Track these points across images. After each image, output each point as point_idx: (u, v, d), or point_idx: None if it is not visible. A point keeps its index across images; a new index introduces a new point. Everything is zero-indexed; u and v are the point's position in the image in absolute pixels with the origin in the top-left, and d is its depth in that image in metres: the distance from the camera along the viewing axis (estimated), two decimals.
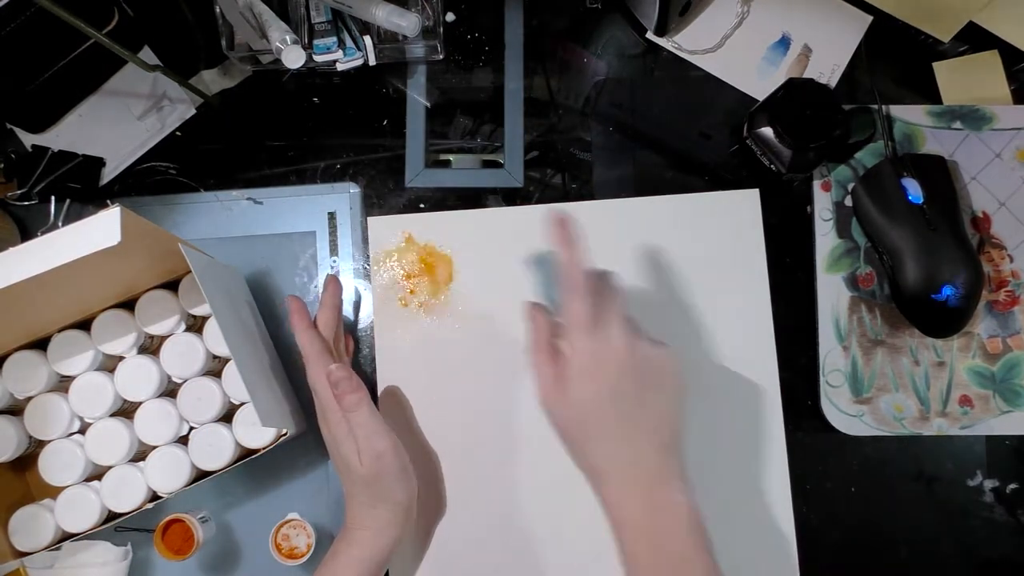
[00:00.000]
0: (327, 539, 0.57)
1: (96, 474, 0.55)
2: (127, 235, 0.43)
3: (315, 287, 0.61)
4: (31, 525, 0.54)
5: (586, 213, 0.61)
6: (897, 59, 0.64)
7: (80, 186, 0.62)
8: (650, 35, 0.64)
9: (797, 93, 0.58)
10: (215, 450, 0.54)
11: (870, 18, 0.64)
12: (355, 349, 0.60)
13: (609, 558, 0.48)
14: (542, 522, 0.58)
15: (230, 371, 0.55)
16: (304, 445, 0.59)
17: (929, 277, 0.56)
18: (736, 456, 0.58)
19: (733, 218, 0.61)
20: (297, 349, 0.60)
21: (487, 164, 0.64)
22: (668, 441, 0.47)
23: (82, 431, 0.56)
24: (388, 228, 0.62)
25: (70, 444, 0.55)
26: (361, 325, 0.61)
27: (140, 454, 0.56)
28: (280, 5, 0.60)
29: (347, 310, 0.61)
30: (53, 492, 0.55)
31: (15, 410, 0.56)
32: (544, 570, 0.58)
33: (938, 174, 0.59)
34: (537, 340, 0.49)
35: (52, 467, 0.55)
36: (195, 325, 0.58)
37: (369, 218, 0.62)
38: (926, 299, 0.57)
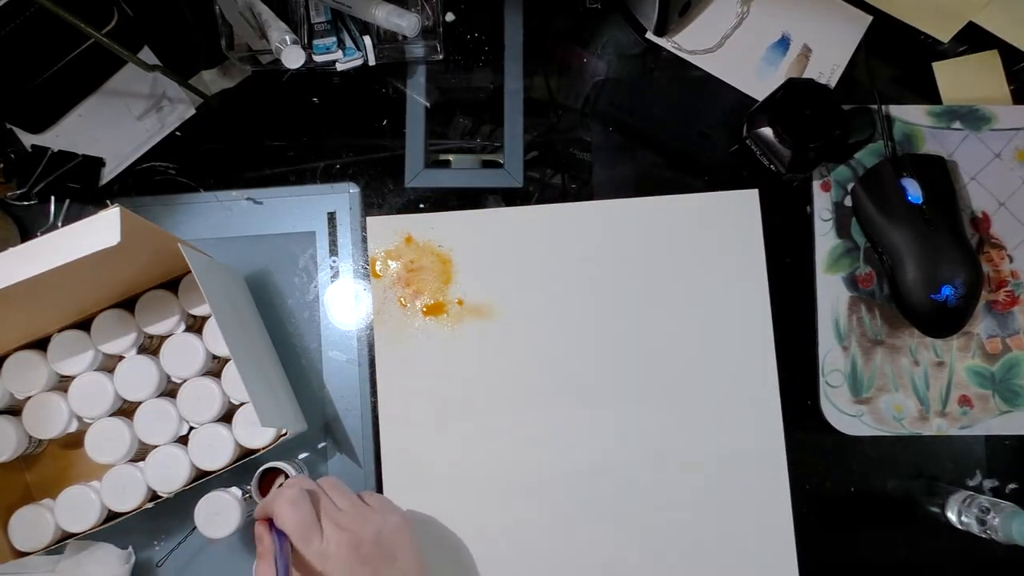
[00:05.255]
0: None
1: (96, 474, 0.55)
2: (127, 235, 0.43)
3: (314, 287, 0.61)
4: (31, 525, 0.54)
5: (586, 213, 0.62)
6: (897, 59, 0.64)
7: (80, 186, 0.62)
8: (650, 35, 0.64)
9: (797, 93, 0.58)
10: (215, 450, 0.54)
11: (870, 18, 0.64)
12: None
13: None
14: (540, 517, 0.58)
15: (230, 371, 0.55)
16: (303, 444, 0.59)
17: (929, 277, 0.56)
18: (736, 456, 0.58)
19: (732, 218, 0.61)
20: (298, 348, 0.61)
21: (487, 164, 0.64)
22: None
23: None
24: (388, 228, 0.62)
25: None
26: (361, 325, 0.61)
27: (140, 454, 0.56)
28: (280, 5, 0.60)
29: (346, 309, 0.61)
30: (53, 492, 0.55)
31: (14, 410, 0.56)
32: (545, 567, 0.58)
33: (938, 174, 0.59)
34: (266, 570, 0.44)
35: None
36: (195, 325, 0.58)
37: (368, 218, 0.62)
38: (926, 299, 0.57)
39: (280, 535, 0.44)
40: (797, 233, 0.61)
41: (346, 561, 0.44)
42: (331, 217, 0.62)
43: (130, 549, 0.57)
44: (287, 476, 0.54)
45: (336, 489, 0.48)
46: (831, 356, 0.59)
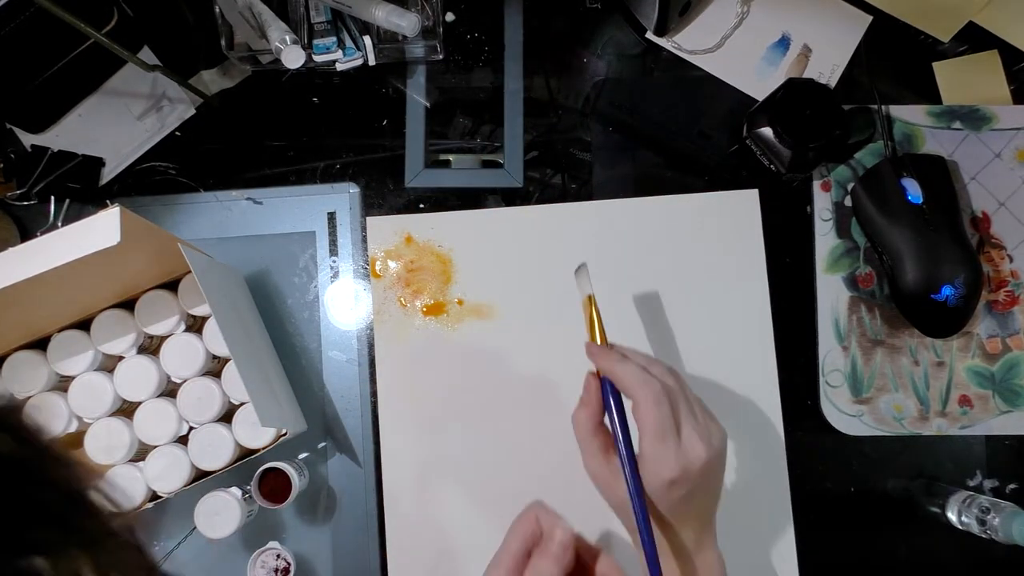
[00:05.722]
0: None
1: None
2: (127, 235, 0.43)
3: (314, 287, 0.61)
4: None
5: (586, 213, 0.62)
6: (897, 59, 0.64)
7: (80, 186, 0.62)
8: (650, 35, 0.64)
9: (797, 93, 0.58)
10: (215, 450, 0.54)
11: (870, 18, 0.64)
12: None
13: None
14: None
15: (230, 371, 0.55)
16: (303, 444, 0.59)
17: (929, 277, 0.56)
18: (736, 456, 0.58)
19: (732, 218, 0.61)
20: (298, 348, 0.61)
21: (487, 164, 0.64)
22: (706, 522, 0.46)
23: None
24: (388, 228, 0.62)
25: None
26: (361, 325, 0.61)
27: (140, 454, 0.56)
28: (280, 5, 0.60)
29: (346, 309, 0.61)
30: None
31: None
32: None
33: (938, 174, 0.59)
34: (588, 416, 0.46)
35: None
36: (195, 325, 0.58)
37: (368, 218, 0.62)
38: (926, 299, 0.57)
39: (610, 391, 0.45)
40: (797, 233, 0.61)
41: (696, 474, 0.43)
42: (331, 217, 0.62)
43: None
44: (287, 476, 0.54)
45: (689, 392, 0.46)
46: (831, 356, 0.59)
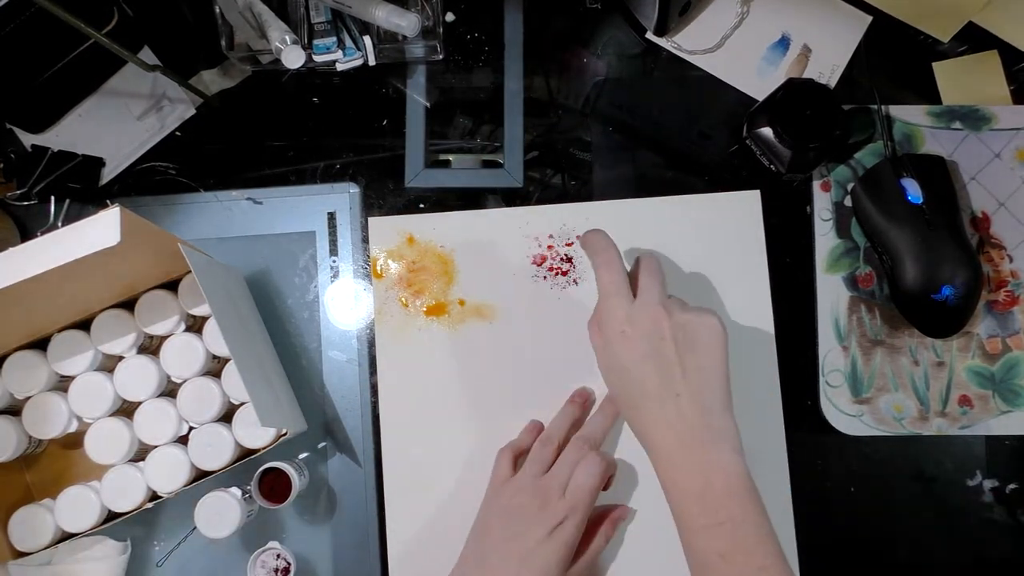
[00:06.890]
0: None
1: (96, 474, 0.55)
2: (127, 235, 0.43)
3: (314, 287, 0.61)
4: (31, 525, 0.54)
5: (586, 214, 0.62)
6: (897, 59, 0.64)
7: (80, 186, 0.62)
8: (650, 35, 0.64)
9: (797, 93, 0.58)
10: (215, 450, 0.54)
11: (870, 18, 0.64)
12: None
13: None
14: None
15: (230, 371, 0.55)
16: (303, 444, 0.59)
17: (928, 277, 0.56)
18: None
19: (734, 219, 0.61)
20: (298, 348, 0.61)
21: (487, 164, 0.64)
22: (711, 403, 0.46)
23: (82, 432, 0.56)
24: (388, 228, 0.62)
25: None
26: (361, 325, 0.61)
27: (140, 454, 0.56)
28: (280, 5, 0.60)
29: (346, 309, 0.61)
30: (53, 492, 0.55)
31: (14, 410, 0.56)
32: None
33: (937, 174, 0.59)
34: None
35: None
36: (195, 325, 0.58)
37: (369, 218, 0.62)
38: (925, 299, 0.57)
39: None
40: (797, 233, 0.61)
41: (647, 332, 0.47)
42: (331, 217, 0.62)
43: (128, 541, 0.57)
44: (287, 476, 0.54)
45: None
46: (831, 356, 0.59)
